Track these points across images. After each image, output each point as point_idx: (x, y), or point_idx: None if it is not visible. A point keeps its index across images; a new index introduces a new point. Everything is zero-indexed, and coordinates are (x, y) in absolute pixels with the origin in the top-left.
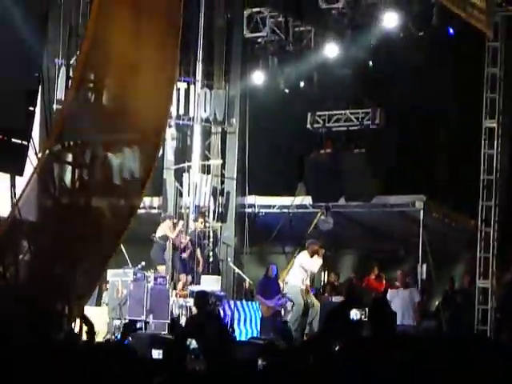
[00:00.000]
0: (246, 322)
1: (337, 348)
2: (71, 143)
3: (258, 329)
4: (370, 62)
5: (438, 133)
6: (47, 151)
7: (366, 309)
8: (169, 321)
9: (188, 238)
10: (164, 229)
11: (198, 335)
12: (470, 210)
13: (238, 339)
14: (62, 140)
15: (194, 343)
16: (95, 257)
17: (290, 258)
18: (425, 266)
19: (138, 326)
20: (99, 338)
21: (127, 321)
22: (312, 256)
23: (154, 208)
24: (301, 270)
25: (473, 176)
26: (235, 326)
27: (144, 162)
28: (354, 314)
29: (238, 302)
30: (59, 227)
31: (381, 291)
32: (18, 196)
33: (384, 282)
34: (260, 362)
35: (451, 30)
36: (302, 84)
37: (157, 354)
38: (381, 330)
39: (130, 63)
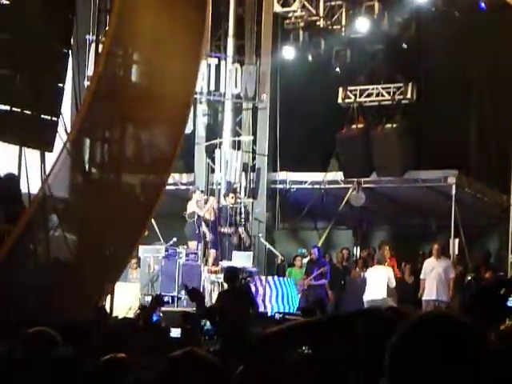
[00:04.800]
0: (278, 298)
1: None
2: (101, 119)
3: (294, 305)
4: (402, 38)
5: (470, 107)
6: (76, 127)
7: None
8: None
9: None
10: (192, 206)
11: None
12: (502, 184)
13: (269, 315)
14: (91, 116)
15: (208, 324)
16: (125, 233)
17: (321, 234)
18: (457, 241)
19: (166, 299)
20: (130, 314)
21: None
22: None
23: (185, 184)
24: (385, 286)
25: (505, 150)
26: (267, 302)
27: (171, 139)
28: None
29: (270, 278)
30: (89, 203)
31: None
32: (47, 173)
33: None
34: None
35: (483, 4)
36: (333, 59)
37: (175, 332)
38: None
39: (156, 38)
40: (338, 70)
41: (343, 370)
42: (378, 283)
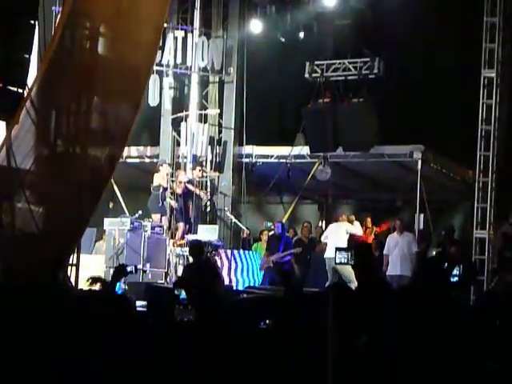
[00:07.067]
0: (243, 272)
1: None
2: (58, 88)
3: (258, 279)
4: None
5: (436, 83)
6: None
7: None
8: (165, 270)
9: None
10: (158, 178)
11: (190, 284)
12: (468, 160)
13: (235, 288)
14: (48, 84)
15: (183, 293)
16: (86, 203)
17: (287, 208)
18: (422, 216)
19: (129, 269)
20: (95, 287)
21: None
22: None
23: (150, 157)
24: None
25: (471, 126)
26: (232, 275)
27: (131, 108)
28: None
29: (236, 252)
30: (54, 174)
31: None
32: (12, 144)
33: (372, 236)
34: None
35: None
36: (300, 33)
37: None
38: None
39: (118, 6)
40: (305, 44)
41: (304, 344)
42: (339, 238)
